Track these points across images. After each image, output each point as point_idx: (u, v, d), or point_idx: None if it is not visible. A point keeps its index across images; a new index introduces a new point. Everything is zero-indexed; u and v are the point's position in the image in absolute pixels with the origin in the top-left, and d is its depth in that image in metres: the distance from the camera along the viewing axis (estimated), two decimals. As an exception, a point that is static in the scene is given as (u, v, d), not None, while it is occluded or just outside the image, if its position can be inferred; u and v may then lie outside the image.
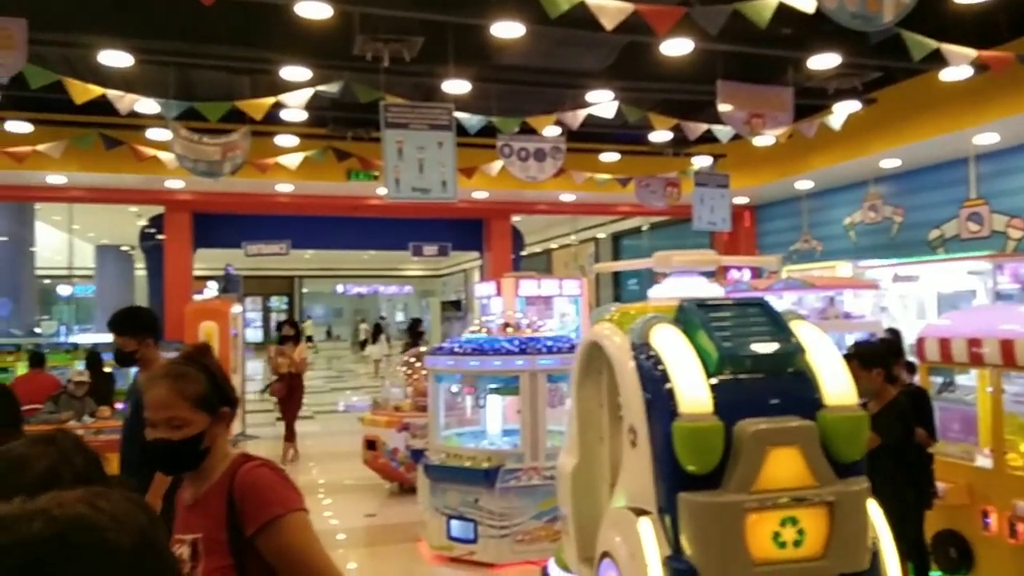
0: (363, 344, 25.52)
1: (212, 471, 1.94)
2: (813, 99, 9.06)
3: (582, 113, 8.50)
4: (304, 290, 34.11)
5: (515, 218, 15.70)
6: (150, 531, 1.02)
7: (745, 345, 2.86)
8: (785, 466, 2.66)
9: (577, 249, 20.79)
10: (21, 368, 10.48)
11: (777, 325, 2.99)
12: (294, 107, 7.68)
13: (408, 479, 7.63)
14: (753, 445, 2.64)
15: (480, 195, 12.78)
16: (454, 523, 5.67)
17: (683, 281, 3.47)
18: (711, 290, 3.45)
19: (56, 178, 11.11)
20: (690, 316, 2.99)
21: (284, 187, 12.26)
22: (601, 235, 19.99)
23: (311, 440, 11.69)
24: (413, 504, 6.61)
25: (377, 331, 22.98)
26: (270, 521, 1.81)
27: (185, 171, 8.54)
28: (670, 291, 3.42)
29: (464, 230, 15.27)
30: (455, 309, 23.61)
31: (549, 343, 5.91)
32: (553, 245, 22.24)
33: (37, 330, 13.99)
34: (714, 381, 2.78)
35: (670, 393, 2.74)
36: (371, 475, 8.39)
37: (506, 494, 5.47)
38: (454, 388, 6.41)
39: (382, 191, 12.02)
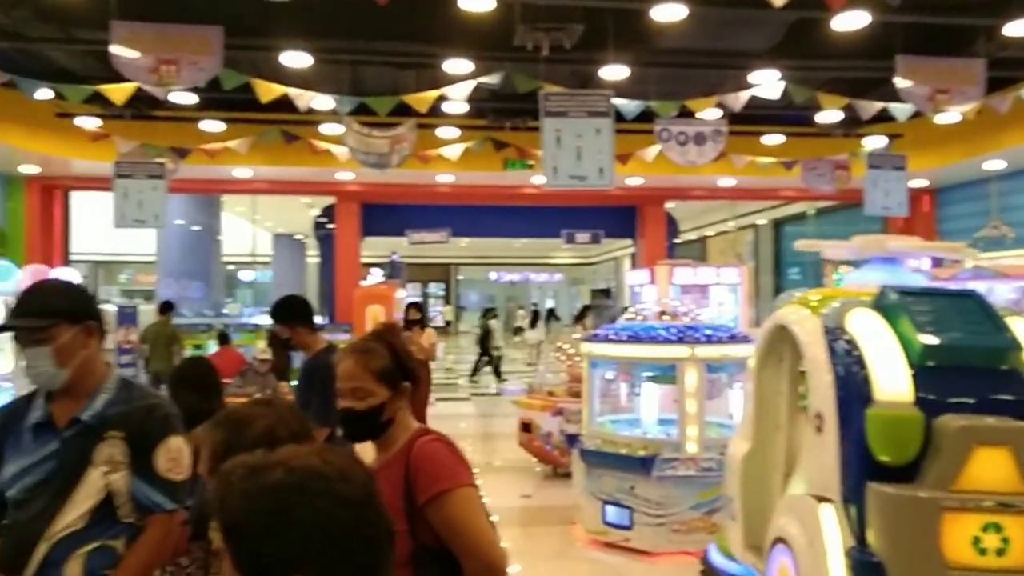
0: (518, 330, 25.99)
1: (394, 441, 2.06)
2: (1008, 70, 8.25)
3: (745, 95, 8.21)
4: (459, 277, 35.25)
5: (669, 204, 15.42)
6: (371, 485, 1.13)
7: (953, 336, 2.70)
8: (992, 468, 2.48)
9: (735, 236, 20.11)
10: (212, 345, 11.53)
11: (991, 319, 2.80)
12: (456, 99, 7.94)
13: (562, 463, 7.73)
14: (957, 441, 2.49)
15: (634, 181, 12.65)
16: (609, 508, 5.69)
17: (882, 269, 3.30)
18: (914, 279, 3.27)
19: (242, 171, 12.12)
20: (892, 302, 2.85)
21: (445, 177, 12.71)
22: (761, 221, 19.23)
23: (467, 421, 12.09)
24: (567, 488, 6.69)
25: (535, 317, 23.33)
26: (439, 494, 1.90)
27: (355, 163, 9.06)
28: (870, 278, 3.26)
29: (617, 217, 15.19)
30: (605, 297, 23.57)
31: (708, 332, 5.78)
32: (709, 232, 21.65)
33: (224, 311, 15.32)
34: (915, 371, 2.65)
35: (865, 379, 2.63)
36: (524, 457, 8.56)
37: (663, 483, 5.43)
38: (609, 375, 6.42)
39: (537, 179, 12.21)
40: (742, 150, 10.63)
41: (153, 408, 2.15)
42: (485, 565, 1.84)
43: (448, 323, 32.94)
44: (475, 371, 16.67)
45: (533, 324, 22.58)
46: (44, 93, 7.66)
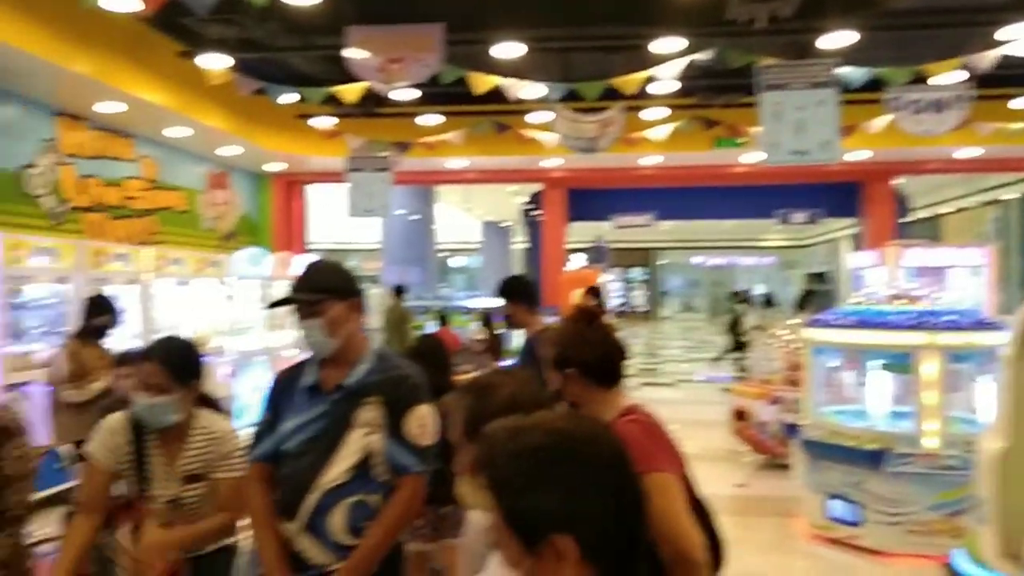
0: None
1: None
2: None
3: (992, 54, 7.33)
4: (661, 261, 34.70)
5: (898, 180, 14.15)
6: (621, 449, 1.16)
7: None
8: None
9: (976, 213, 18.04)
10: (431, 327, 12.28)
11: None
12: (665, 79, 7.81)
13: (779, 452, 7.40)
14: None
15: (858, 156, 11.74)
16: (835, 503, 5.38)
17: None
18: None
19: (456, 162, 12.74)
20: None
21: (650, 160, 12.56)
22: (1009, 196, 17.08)
23: (671, 407, 11.85)
24: (783, 479, 6.40)
25: (744, 302, 22.43)
26: None
27: (561, 150, 9.23)
28: None
29: (837, 195, 14.19)
30: (820, 281, 22.13)
31: (951, 317, 5.26)
32: (944, 209, 19.59)
33: (440, 295, 16.24)
34: None
35: None
36: (734, 445, 8.30)
37: (896, 479, 5.03)
38: (833, 363, 6.04)
39: (748, 158, 11.71)
40: (987, 117, 9.51)
41: (405, 378, 2.35)
42: (678, 551, 1.81)
43: (648, 310, 32.56)
44: (720, 358, 16.08)
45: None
46: (288, 97, 8.52)
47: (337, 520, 2.23)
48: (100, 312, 5.17)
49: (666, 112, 10.18)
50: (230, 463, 2.47)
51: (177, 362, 2.45)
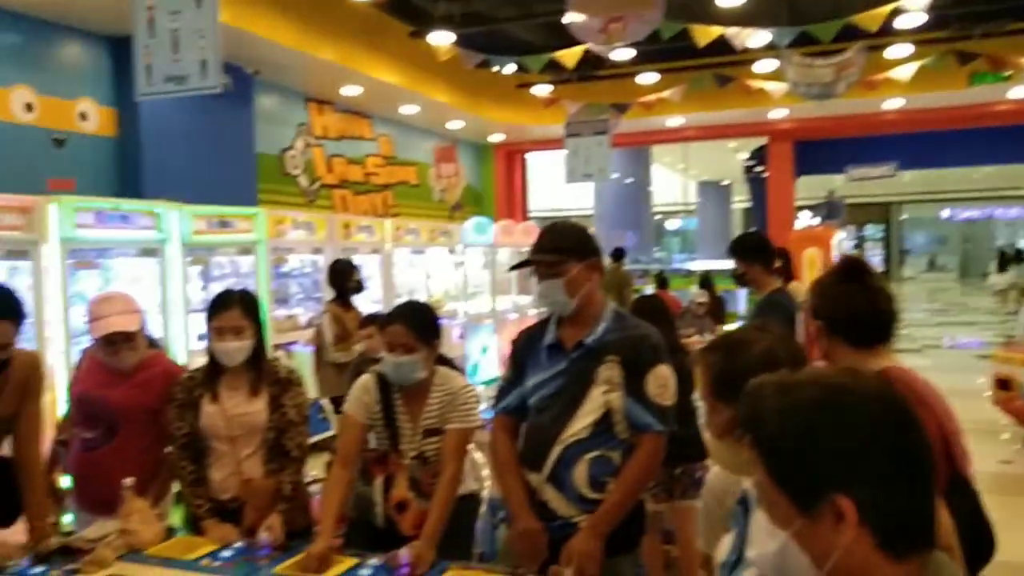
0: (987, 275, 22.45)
1: None
2: None
3: None
4: (902, 216, 31.58)
5: None
6: (904, 406, 1.06)
7: None
8: None
9: None
10: (649, 289, 12.17)
11: None
12: (914, 11, 7.00)
13: (1057, 428, 6.53)
14: None
15: None
16: None
17: None
18: None
19: (674, 120, 12.41)
20: None
21: (892, 103, 11.40)
22: None
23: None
24: (1065, 457, 5.62)
25: (1004, 259, 19.93)
26: None
27: (789, 100, 8.64)
28: None
29: None
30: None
31: None
32: None
33: (655, 258, 16.03)
34: None
35: None
36: (993, 417, 7.42)
37: None
38: None
39: (1016, 93, 10.27)
40: None
41: (644, 337, 2.34)
42: None
43: (886, 270, 29.83)
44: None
45: (1003, 267, 19.28)
46: (509, 67, 8.73)
47: (580, 473, 2.28)
48: (352, 278, 5.67)
49: (911, 49, 9.15)
50: (462, 415, 2.60)
51: (421, 323, 2.59)
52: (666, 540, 3.77)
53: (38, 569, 2.32)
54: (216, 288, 4.87)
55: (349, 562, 2.34)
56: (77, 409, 2.82)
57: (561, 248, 2.33)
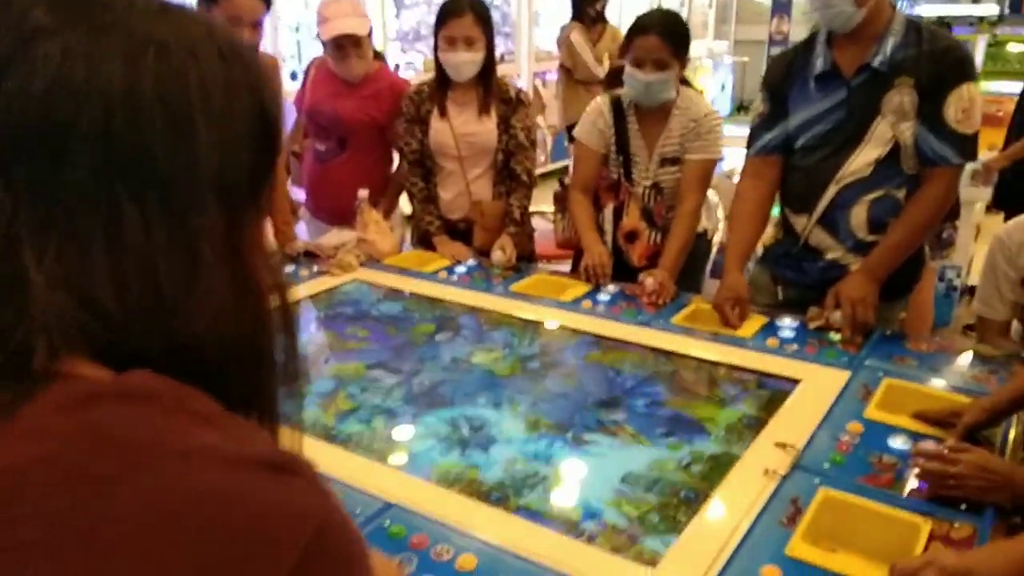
0: None
1: None
2: None
3: None
4: None
5: None
6: None
7: None
8: None
9: None
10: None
11: None
12: None
13: None
14: None
15: None
16: None
17: None
18: None
19: None
20: None
21: None
22: None
23: None
24: None
25: None
26: None
27: None
28: None
29: None
30: None
31: None
32: None
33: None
34: None
35: None
36: None
37: None
38: None
39: None
40: None
41: (947, 51, 1.89)
42: None
43: None
44: None
45: None
46: None
47: (858, 215, 2.01)
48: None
49: None
50: (706, 144, 2.35)
51: (676, 35, 2.29)
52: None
53: (287, 268, 2.43)
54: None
55: (584, 287, 2.29)
56: (310, 120, 2.81)
57: None
